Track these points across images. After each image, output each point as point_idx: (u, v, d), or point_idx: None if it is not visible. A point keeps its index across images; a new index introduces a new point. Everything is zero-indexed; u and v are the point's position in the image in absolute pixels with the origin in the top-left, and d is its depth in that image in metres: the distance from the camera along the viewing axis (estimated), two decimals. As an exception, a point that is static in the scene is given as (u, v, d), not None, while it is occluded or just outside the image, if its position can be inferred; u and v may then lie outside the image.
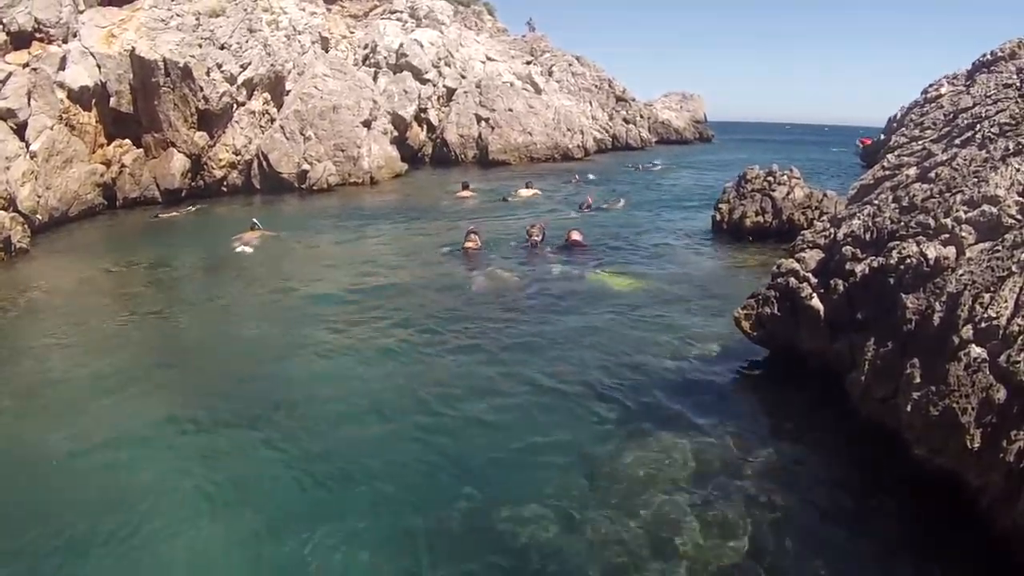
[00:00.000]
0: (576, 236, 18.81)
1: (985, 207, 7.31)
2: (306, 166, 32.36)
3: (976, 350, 6.09)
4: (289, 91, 34.76)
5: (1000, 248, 6.72)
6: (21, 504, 7.12)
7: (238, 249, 19.37)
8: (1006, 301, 6.10)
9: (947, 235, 7.42)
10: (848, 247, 8.82)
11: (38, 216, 21.33)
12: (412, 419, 8.75)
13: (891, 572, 6.07)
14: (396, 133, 41.48)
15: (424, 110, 49.25)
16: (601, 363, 10.47)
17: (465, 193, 30.69)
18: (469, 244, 18.40)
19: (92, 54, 26.87)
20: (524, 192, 30.39)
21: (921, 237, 7.74)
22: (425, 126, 49.75)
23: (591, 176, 37.34)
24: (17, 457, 8.06)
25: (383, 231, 22.71)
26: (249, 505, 7.04)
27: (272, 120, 33.09)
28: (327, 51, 42.43)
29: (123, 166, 27.81)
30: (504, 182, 35.87)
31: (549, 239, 19.16)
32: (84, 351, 11.43)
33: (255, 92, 32.23)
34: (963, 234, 7.24)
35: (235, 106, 31.00)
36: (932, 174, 8.58)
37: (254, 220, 21.97)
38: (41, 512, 6.92)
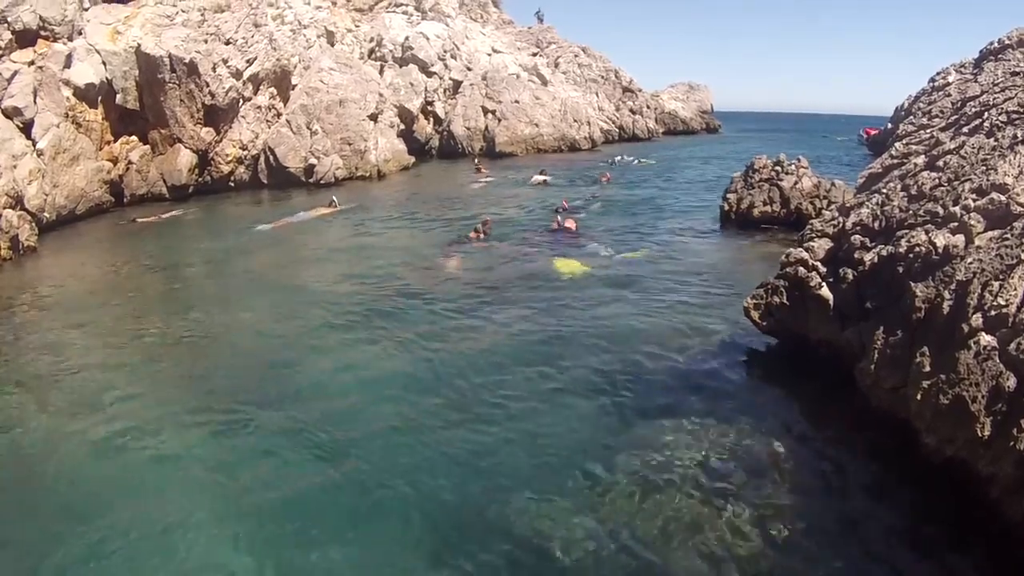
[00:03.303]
0: (568, 224, 20.25)
1: (994, 195, 7.28)
2: (313, 160, 32.37)
3: (986, 338, 6.06)
4: (295, 85, 34.74)
5: (1009, 236, 6.69)
6: (30, 499, 7.17)
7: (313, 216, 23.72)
8: (1015, 289, 6.07)
9: (956, 223, 7.39)
10: (857, 236, 8.78)
11: (45, 214, 21.41)
12: (419, 411, 8.78)
13: (899, 560, 6.05)
14: (403, 126, 41.38)
15: (430, 103, 49.19)
16: (610, 352, 10.47)
17: (542, 178, 33.32)
18: (472, 234, 19.45)
19: (98, 51, 26.93)
20: (538, 178, 32.99)
21: (930, 225, 7.71)
22: (432, 119, 49.68)
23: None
24: (31, 450, 8.12)
25: (390, 223, 22.74)
26: (256, 493, 7.09)
27: (278, 115, 33.08)
28: (333, 45, 42.41)
29: (130, 163, 27.85)
30: (512, 172, 36.12)
31: (545, 222, 21.04)
32: (93, 349, 11.48)
33: (261, 87, 32.22)
34: (972, 222, 7.21)
35: (241, 101, 31.00)
36: (940, 162, 8.54)
37: (333, 197, 25.63)
38: (55, 504, 6.98)
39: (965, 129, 9.07)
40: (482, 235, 19.29)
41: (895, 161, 9.87)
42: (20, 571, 6.13)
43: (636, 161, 42.42)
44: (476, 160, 40.71)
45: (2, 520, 6.85)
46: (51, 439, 8.37)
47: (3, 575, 6.12)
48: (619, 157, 43.10)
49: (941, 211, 7.71)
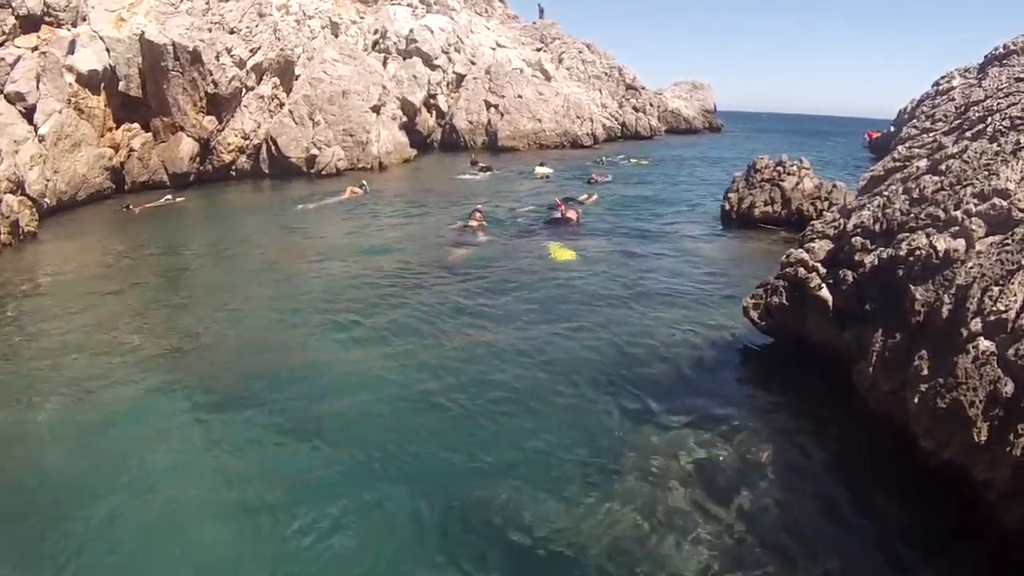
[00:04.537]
0: (570, 214, 20.52)
1: (995, 200, 7.27)
2: (315, 151, 32.33)
3: (984, 343, 6.07)
4: (298, 76, 34.70)
5: (1010, 241, 6.69)
6: (29, 486, 7.18)
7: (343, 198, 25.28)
8: (1015, 295, 6.07)
9: (957, 228, 7.38)
10: (857, 238, 8.78)
11: (46, 199, 21.38)
12: (418, 405, 8.78)
13: (896, 565, 6.07)
14: (405, 119, 41.38)
15: (433, 96, 49.20)
16: (607, 348, 10.47)
17: (544, 170, 33.99)
18: (472, 223, 19.64)
19: (101, 38, 26.89)
20: (540, 170, 33.49)
21: (931, 229, 7.70)
22: (434, 112, 49.68)
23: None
24: (26, 436, 8.12)
25: (392, 213, 22.72)
26: (257, 483, 7.09)
27: (281, 105, 33.05)
28: (337, 36, 42.43)
29: (132, 150, 27.82)
30: (514, 165, 36.16)
31: (543, 215, 21.43)
32: (91, 335, 11.46)
33: (264, 76, 32.19)
34: (973, 227, 7.20)
35: (244, 90, 30.97)
36: (943, 166, 8.53)
37: (363, 182, 27.23)
38: (51, 492, 6.99)
39: (968, 134, 9.05)
40: (480, 222, 19.56)
41: (897, 164, 9.86)
42: (16, 559, 6.13)
43: (628, 160, 41.39)
44: (473, 154, 40.65)
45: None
46: (47, 425, 8.36)
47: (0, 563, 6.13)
48: (607, 157, 42.24)
49: (942, 215, 7.71)
